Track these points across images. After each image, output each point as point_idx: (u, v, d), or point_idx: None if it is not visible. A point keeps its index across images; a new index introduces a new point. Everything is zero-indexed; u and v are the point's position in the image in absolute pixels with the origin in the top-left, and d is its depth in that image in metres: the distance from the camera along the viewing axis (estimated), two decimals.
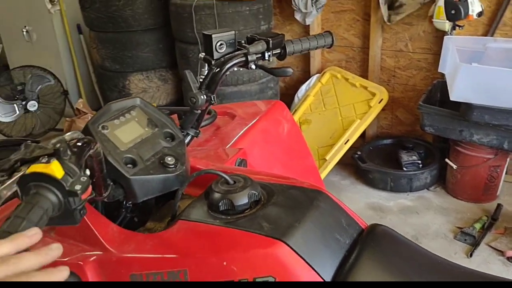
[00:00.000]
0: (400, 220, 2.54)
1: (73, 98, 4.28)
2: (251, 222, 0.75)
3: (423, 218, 2.55)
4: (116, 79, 3.63)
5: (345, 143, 2.82)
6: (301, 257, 0.69)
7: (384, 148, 3.03)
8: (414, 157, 2.74)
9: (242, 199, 0.78)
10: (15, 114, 3.75)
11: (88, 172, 0.64)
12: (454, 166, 2.59)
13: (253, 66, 0.97)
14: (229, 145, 1.23)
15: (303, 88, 3.32)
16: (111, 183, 0.80)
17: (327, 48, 1.08)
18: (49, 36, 4.20)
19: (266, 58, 0.97)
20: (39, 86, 3.89)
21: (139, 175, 0.82)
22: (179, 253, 0.75)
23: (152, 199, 0.95)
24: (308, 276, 0.68)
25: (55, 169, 0.57)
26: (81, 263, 0.77)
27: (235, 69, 0.98)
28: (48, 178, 0.56)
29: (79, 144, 0.64)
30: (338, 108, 3.06)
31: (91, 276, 0.77)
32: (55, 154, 0.59)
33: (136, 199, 0.83)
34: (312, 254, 0.70)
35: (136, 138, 0.87)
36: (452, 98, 2.30)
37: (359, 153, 2.90)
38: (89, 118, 3.23)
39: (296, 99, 3.31)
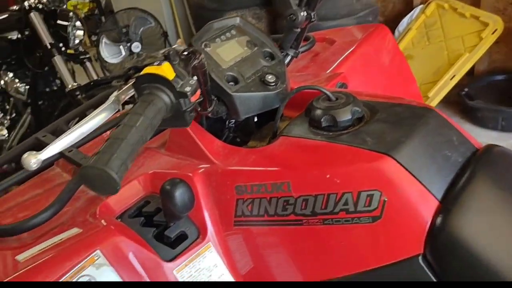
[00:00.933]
0: None
1: (172, 39, 4.42)
2: (355, 137, 0.73)
3: None
4: (213, 18, 3.62)
5: (451, 79, 2.62)
6: (409, 171, 0.66)
7: (496, 85, 2.77)
8: None
9: (344, 115, 0.76)
10: (121, 56, 3.97)
11: (194, 79, 0.66)
12: None
13: None
14: (328, 70, 1.19)
15: (405, 21, 3.10)
16: (215, 99, 0.82)
17: None
18: None
19: None
20: (142, 28, 4.06)
21: (240, 92, 0.84)
22: (281, 166, 0.75)
23: (253, 120, 0.97)
24: (417, 190, 0.66)
25: (166, 70, 0.59)
26: (191, 174, 0.81)
27: None
28: (160, 79, 0.59)
29: (185, 53, 0.66)
30: (443, 42, 2.83)
31: (199, 186, 0.81)
32: (165, 58, 0.62)
33: (239, 116, 0.85)
34: (421, 170, 0.67)
35: (237, 57, 0.88)
36: None
37: (466, 89, 2.68)
38: None
39: (396, 33, 3.11)
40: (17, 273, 0.67)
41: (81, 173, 0.52)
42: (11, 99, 2.56)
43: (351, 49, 1.24)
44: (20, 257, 0.71)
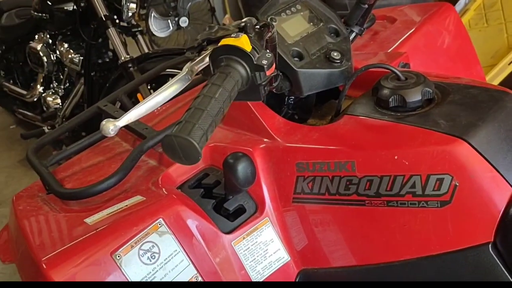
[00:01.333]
0: None
1: (219, 15, 4.42)
2: (425, 119, 0.70)
3: None
4: None
5: (509, 64, 2.49)
6: (483, 157, 0.64)
7: None
8: None
9: (414, 96, 0.73)
10: (169, 30, 3.99)
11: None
12: None
13: None
14: (389, 50, 1.16)
15: (462, 1, 2.96)
16: (280, 74, 0.81)
17: None
18: None
19: None
20: (189, 3, 4.07)
21: (305, 68, 0.82)
22: (346, 145, 0.74)
23: (313, 97, 0.95)
24: (491, 176, 0.63)
25: (245, 42, 0.59)
26: (251, 149, 0.81)
27: None
28: (238, 51, 0.59)
29: (259, 26, 0.65)
30: (503, 24, 2.69)
31: (259, 161, 0.81)
32: (242, 30, 0.61)
33: (302, 92, 0.84)
34: (497, 156, 0.64)
35: (302, 32, 0.86)
36: None
37: None
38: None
39: None
40: (88, 235, 0.70)
41: (164, 141, 0.53)
42: (66, 69, 2.64)
43: (414, 28, 1.20)
44: (89, 219, 0.74)
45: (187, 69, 0.63)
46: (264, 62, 0.59)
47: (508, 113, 0.69)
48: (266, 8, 0.86)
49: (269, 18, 0.85)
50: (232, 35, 0.60)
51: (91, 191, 0.81)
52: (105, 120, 0.60)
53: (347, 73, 0.85)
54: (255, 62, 0.59)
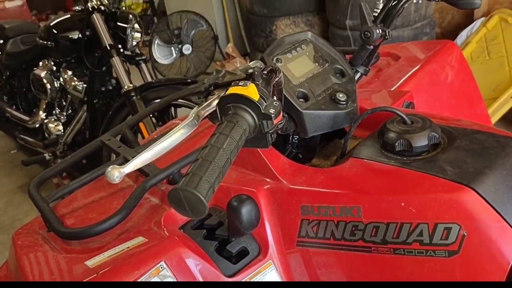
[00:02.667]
0: None
1: (222, 44, 4.47)
2: (431, 165, 0.70)
3: None
4: (263, 24, 3.68)
5: None
6: (491, 206, 0.63)
7: None
8: None
9: (421, 140, 0.73)
10: (172, 57, 4.06)
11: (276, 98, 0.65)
12: None
13: None
14: (393, 88, 1.16)
15: (464, 34, 3.00)
16: (285, 115, 0.81)
17: None
18: None
19: None
20: (193, 31, 4.13)
21: (310, 109, 0.82)
22: (352, 189, 0.73)
23: (318, 136, 0.95)
24: (499, 226, 0.62)
25: (253, 91, 0.59)
26: (254, 190, 0.81)
27: (415, 1, 0.90)
28: (246, 100, 0.58)
29: (266, 71, 0.65)
30: (505, 57, 2.71)
31: (263, 202, 0.80)
32: (249, 77, 0.61)
33: (307, 133, 0.83)
34: (505, 204, 0.63)
35: (308, 73, 0.87)
36: None
37: None
38: (238, 62, 3.36)
39: None
40: (88, 278, 0.68)
41: (171, 195, 0.52)
42: (69, 96, 2.65)
43: (418, 67, 1.20)
44: (90, 262, 0.73)
45: (193, 114, 0.62)
46: (272, 111, 0.59)
47: None
48: (272, 49, 0.86)
49: (274, 59, 0.85)
50: (240, 83, 0.59)
51: (92, 231, 0.80)
52: (110, 166, 0.59)
53: (353, 115, 0.85)
54: (262, 111, 0.59)
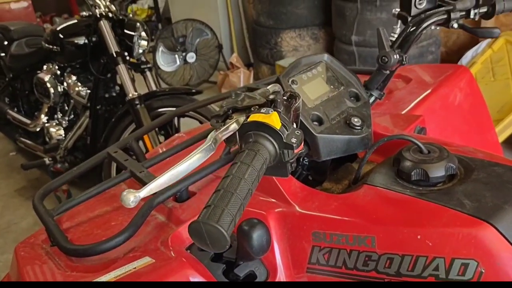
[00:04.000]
0: None
1: (226, 53, 4.47)
2: (449, 197, 0.69)
3: None
4: (269, 35, 3.68)
5: None
6: (510, 243, 0.61)
7: None
8: None
9: (438, 171, 0.72)
10: (176, 65, 4.05)
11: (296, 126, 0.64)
12: None
13: (455, 25, 0.87)
14: (404, 111, 1.15)
15: (469, 54, 3.01)
16: None
17: None
18: None
19: (471, 16, 0.87)
20: (198, 39, 4.13)
21: (325, 133, 0.81)
22: (366, 218, 0.72)
23: (329, 160, 0.94)
24: None
25: (275, 120, 0.57)
26: (265, 213, 0.79)
27: (433, 27, 0.89)
28: (268, 128, 0.57)
29: (286, 97, 0.64)
30: (510, 79, 2.72)
31: (273, 226, 0.78)
32: (272, 105, 0.60)
33: (320, 157, 0.82)
34: None
35: (323, 96, 0.86)
36: None
37: None
38: (241, 72, 3.35)
39: None
40: None
41: (191, 227, 0.50)
42: (71, 101, 2.64)
43: (429, 90, 1.19)
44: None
45: (212, 138, 0.61)
46: (294, 140, 0.58)
47: None
48: (289, 70, 0.85)
49: (290, 81, 0.84)
50: (262, 110, 0.58)
51: (98, 249, 0.79)
52: (126, 190, 0.58)
53: (367, 140, 0.84)
54: (284, 141, 0.57)
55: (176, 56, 4.05)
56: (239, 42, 4.50)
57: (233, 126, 0.61)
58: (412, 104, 1.16)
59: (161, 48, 3.95)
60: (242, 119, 0.61)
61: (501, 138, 2.49)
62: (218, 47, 4.34)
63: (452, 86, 1.22)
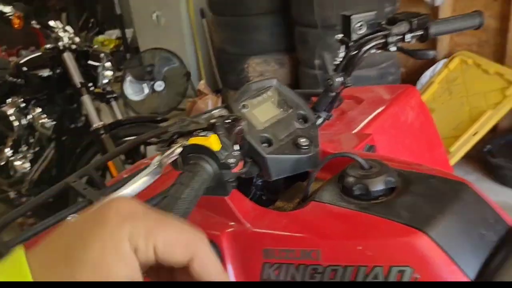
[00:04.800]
0: None
1: (194, 80, 4.53)
2: (388, 209, 0.73)
3: None
4: (235, 62, 3.76)
5: (473, 135, 2.61)
6: (442, 250, 0.65)
7: None
8: None
9: (378, 185, 0.76)
10: (144, 94, 4.08)
11: (237, 147, 0.67)
12: None
13: (393, 48, 0.93)
14: (355, 130, 1.20)
15: (427, 74, 3.14)
16: (249, 160, 0.83)
17: (475, 29, 0.99)
18: (175, 20, 4.47)
19: (407, 40, 0.93)
20: (166, 68, 4.18)
21: (274, 154, 0.84)
22: (312, 233, 0.75)
23: (281, 179, 0.97)
24: (449, 270, 0.64)
25: (214, 142, 0.61)
26: (219, 233, 0.82)
27: (373, 51, 0.95)
28: (206, 151, 0.60)
29: (229, 121, 0.67)
30: (465, 97, 2.84)
31: (226, 246, 0.81)
32: (212, 128, 0.63)
33: (270, 177, 0.85)
34: (455, 248, 0.66)
35: (272, 118, 0.90)
36: None
37: (489, 146, 2.67)
38: (209, 99, 3.39)
39: (418, 85, 3.14)
40: None
41: None
42: (36, 133, 2.62)
43: (380, 110, 1.25)
44: None
45: (157, 162, 0.64)
46: (231, 161, 0.61)
47: (465, 205, 0.72)
48: (239, 96, 0.89)
49: (241, 105, 0.88)
50: (201, 134, 0.62)
51: None
52: (71, 216, 0.59)
53: (315, 159, 0.87)
54: (221, 161, 0.61)
55: (144, 85, 4.08)
56: (207, 69, 4.57)
57: (178, 150, 0.64)
58: (363, 124, 1.21)
59: (128, 78, 3.97)
60: (186, 142, 0.64)
61: (460, 154, 2.59)
62: (186, 75, 4.39)
63: (401, 105, 1.28)
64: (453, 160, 2.59)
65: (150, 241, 0.37)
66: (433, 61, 3.17)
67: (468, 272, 0.65)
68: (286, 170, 0.86)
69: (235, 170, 0.62)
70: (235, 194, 0.87)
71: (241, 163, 0.63)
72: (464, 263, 0.65)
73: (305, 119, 0.93)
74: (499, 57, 2.86)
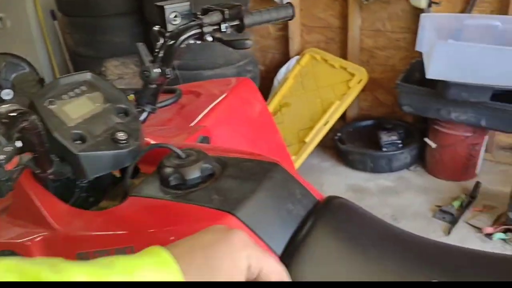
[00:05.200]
0: (380, 200, 2.54)
1: None
2: (202, 195, 0.72)
3: (403, 198, 2.55)
4: (92, 65, 3.55)
5: (325, 125, 2.80)
6: (250, 229, 0.67)
7: (364, 130, 3.02)
8: (394, 137, 2.73)
9: (193, 173, 0.75)
10: None
11: (18, 144, 0.61)
12: (433, 145, 2.59)
13: (210, 38, 0.93)
14: (193, 123, 1.20)
15: (282, 71, 3.28)
16: (57, 159, 0.77)
17: (288, 20, 1.04)
18: (23, 23, 4.10)
19: (223, 29, 0.94)
20: (14, 74, 3.80)
21: (88, 151, 0.79)
22: (128, 229, 0.72)
23: (108, 178, 0.92)
24: None
25: None
26: (29, 243, 0.74)
27: (191, 41, 0.95)
28: None
29: (10, 114, 0.61)
30: (316, 90, 3.04)
31: (38, 255, 0.74)
32: None
33: (86, 176, 0.80)
34: (263, 226, 0.68)
35: (86, 114, 0.84)
36: (428, 76, 2.28)
37: (339, 134, 2.89)
38: None
39: (275, 82, 3.27)
40: None
41: None
42: None
43: (215, 102, 1.26)
44: None
45: None
46: (1, 157, 0.55)
47: (274, 183, 0.74)
48: (43, 91, 0.82)
49: (46, 101, 0.81)
50: None
51: None
52: None
53: (136, 153, 0.84)
54: None
55: None
56: (64, 74, 4.25)
57: None
58: (200, 117, 1.21)
59: None
60: None
61: (314, 143, 2.75)
62: (39, 81, 4.05)
63: (237, 96, 1.31)
64: (309, 149, 2.75)
65: (259, 264, 0.53)
66: (287, 58, 3.34)
67: (275, 247, 0.67)
68: (103, 167, 0.82)
69: (10, 167, 0.56)
70: (47, 198, 0.80)
71: (15, 160, 0.57)
72: (271, 239, 0.68)
73: (126, 113, 0.89)
74: (343, 53, 3.10)
